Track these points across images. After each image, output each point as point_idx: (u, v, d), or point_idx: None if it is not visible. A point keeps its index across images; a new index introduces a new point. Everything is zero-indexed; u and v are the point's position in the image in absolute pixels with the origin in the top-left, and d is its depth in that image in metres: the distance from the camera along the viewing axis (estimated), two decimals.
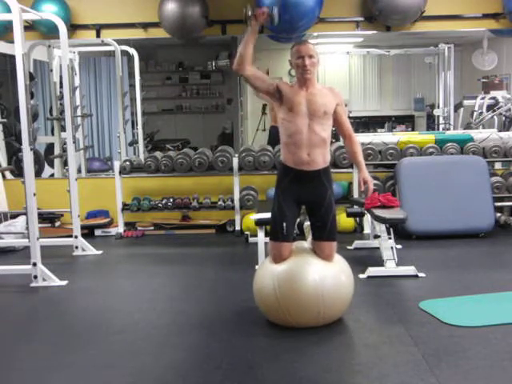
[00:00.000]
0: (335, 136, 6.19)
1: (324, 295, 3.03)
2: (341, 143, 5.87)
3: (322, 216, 3.18)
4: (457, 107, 8.00)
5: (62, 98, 5.65)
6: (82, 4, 6.02)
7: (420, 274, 4.02)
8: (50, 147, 6.79)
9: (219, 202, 5.69)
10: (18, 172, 5.60)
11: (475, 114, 7.43)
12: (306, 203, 3.25)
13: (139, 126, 7.14)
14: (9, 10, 4.07)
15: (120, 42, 6.57)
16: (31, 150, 4.10)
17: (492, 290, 3.67)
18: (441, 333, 3.01)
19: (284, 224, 3.15)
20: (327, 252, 3.15)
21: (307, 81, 3.21)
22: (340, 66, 9.08)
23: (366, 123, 9.06)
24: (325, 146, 3.18)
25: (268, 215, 4.31)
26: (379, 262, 4.17)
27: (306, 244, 3.38)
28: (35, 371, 2.74)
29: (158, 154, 6.01)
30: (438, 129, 8.13)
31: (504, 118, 7.30)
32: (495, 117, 7.29)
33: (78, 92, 6.83)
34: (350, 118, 9.11)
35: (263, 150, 5.72)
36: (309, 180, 3.17)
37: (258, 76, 3.18)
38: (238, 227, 5.67)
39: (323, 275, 3.07)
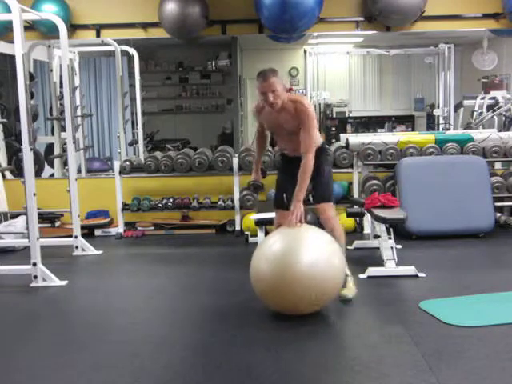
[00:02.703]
0: (335, 136, 6.19)
1: (317, 278, 3.08)
2: (341, 143, 5.87)
3: (316, 184, 3.54)
4: (457, 107, 8.00)
5: (62, 98, 5.64)
6: (81, 4, 6.02)
7: (420, 274, 4.02)
8: (49, 147, 6.78)
9: (219, 202, 5.69)
10: (18, 172, 5.60)
11: (475, 114, 7.43)
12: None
13: (139, 126, 7.14)
14: (9, 10, 4.07)
15: (120, 41, 6.58)
16: (31, 150, 4.10)
17: (492, 290, 3.67)
18: (441, 333, 3.01)
19: (284, 195, 3.60)
20: (322, 211, 3.53)
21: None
22: (340, 65, 9.08)
23: (365, 123, 9.05)
24: None
25: (268, 215, 4.34)
26: (379, 262, 4.17)
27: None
28: (35, 371, 2.74)
29: (158, 153, 6.01)
30: (438, 129, 8.13)
31: (504, 118, 7.30)
32: (495, 117, 7.29)
33: (78, 92, 6.83)
34: (350, 118, 9.16)
35: None
36: (300, 161, 3.41)
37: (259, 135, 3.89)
38: (238, 227, 5.68)
39: (316, 258, 3.13)
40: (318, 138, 3.55)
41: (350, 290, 3.48)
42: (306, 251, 3.17)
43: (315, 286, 3.08)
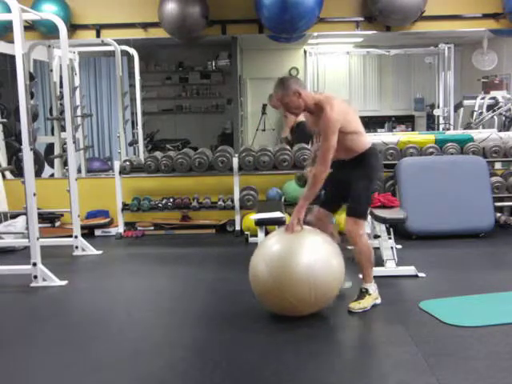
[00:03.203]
0: None
1: (315, 279, 3.08)
2: None
3: (350, 194, 3.41)
4: (457, 107, 8.00)
5: (62, 98, 5.64)
6: (81, 4, 6.02)
7: (420, 274, 4.02)
8: (49, 147, 6.79)
9: (219, 202, 5.69)
10: (18, 172, 5.60)
11: (475, 114, 7.43)
12: (342, 181, 3.46)
13: (139, 126, 7.14)
14: (9, 10, 4.07)
15: (120, 41, 6.58)
16: (31, 150, 4.09)
17: (492, 290, 3.67)
18: (441, 333, 3.01)
19: (323, 192, 3.56)
20: (345, 222, 3.42)
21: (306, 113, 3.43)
22: (340, 66, 9.08)
23: (366, 123, 9.01)
24: (347, 148, 3.35)
25: (268, 215, 4.33)
26: (379, 262, 4.16)
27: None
28: (35, 371, 2.75)
29: (158, 153, 6.00)
30: (438, 129, 8.13)
31: (504, 118, 7.31)
32: (495, 117, 7.29)
33: (77, 92, 6.83)
34: None
35: (263, 150, 5.72)
36: (341, 166, 3.42)
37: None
38: (238, 227, 5.67)
39: (314, 259, 3.13)
40: (360, 142, 3.37)
41: (361, 304, 3.39)
42: (304, 252, 3.16)
43: (314, 288, 3.08)
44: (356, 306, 3.36)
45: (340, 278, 3.26)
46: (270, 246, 3.27)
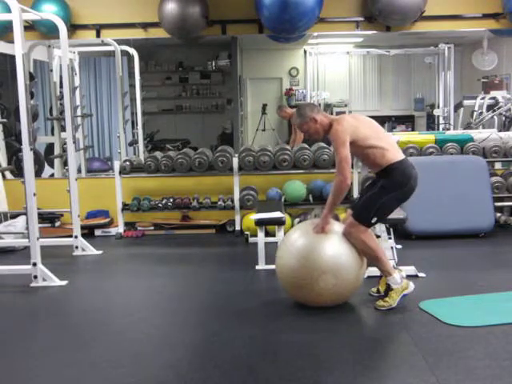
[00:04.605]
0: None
1: (341, 271, 3.31)
2: None
3: (363, 197, 3.50)
4: (457, 107, 8.01)
5: (62, 98, 5.65)
6: (81, 4, 6.02)
7: (420, 274, 4.02)
8: (50, 147, 6.79)
9: (219, 202, 5.69)
10: (18, 172, 5.60)
11: (475, 114, 7.44)
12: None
13: (139, 126, 7.15)
14: (9, 10, 4.07)
15: (120, 41, 6.58)
16: (31, 149, 4.10)
17: (492, 290, 3.67)
18: (441, 333, 3.01)
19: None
20: (346, 226, 3.44)
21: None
22: (340, 65, 9.09)
23: None
24: (370, 162, 3.45)
25: (268, 215, 4.34)
26: None
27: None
28: (35, 371, 2.74)
29: (158, 153, 6.01)
30: (438, 129, 8.14)
31: (504, 118, 7.31)
32: (495, 117, 7.30)
33: (77, 92, 6.83)
34: None
35: (263, 150, 5.72)
36: (376, 176, 3.54)
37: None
38: (238, 227, 5.68)
39: (338, 252, 3.34)
40: (383, 157, 3.36)
41: (385, 303, 3.43)
42: (330, 243, 3.36)
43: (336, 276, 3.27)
44: (381, 303, 3.42)
45: (359, 269, 3.42)
46: (297, 239, 3.43)
